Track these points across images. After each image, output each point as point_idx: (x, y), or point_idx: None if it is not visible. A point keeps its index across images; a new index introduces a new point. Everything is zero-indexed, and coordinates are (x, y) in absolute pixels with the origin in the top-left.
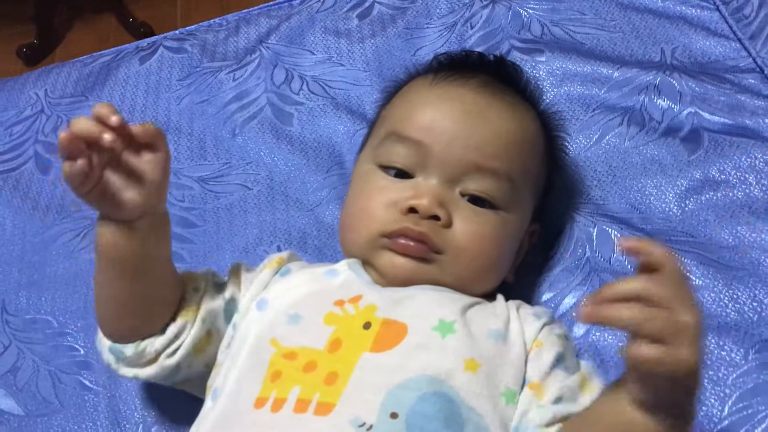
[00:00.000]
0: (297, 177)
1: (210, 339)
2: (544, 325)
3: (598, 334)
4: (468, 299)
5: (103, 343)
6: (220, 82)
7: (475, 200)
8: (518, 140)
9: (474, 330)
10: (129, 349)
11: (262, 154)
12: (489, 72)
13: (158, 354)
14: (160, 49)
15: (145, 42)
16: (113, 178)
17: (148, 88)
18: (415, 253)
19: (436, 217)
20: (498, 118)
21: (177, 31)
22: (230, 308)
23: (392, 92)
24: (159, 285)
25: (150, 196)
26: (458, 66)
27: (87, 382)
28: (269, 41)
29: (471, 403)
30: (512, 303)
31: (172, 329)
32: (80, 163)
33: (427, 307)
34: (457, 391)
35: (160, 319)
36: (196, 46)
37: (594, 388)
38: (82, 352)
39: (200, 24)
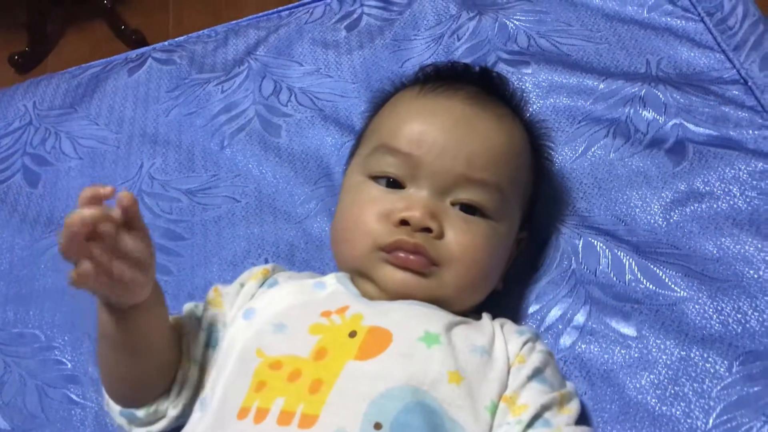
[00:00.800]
0: (285, 189)
1: (204, 370)
2: (527, 341)
3: (584, 345)
4: (454, 317)
5: (112, 407)
6: (208, 94)
7: (466, 209)
8: (506, 151)
9: (458, 344)
10: (142, 413)
11: (250, 166)
12: (475, 83)
13: (167, 409)
14: (149, 61)
15: (134, 53)
16: (117, 264)
17: (136, 100)
18: (415, 266)
19: (428, 229)
20: (486, 129)
21: (166, 43)
22: (211, 333)
23: (379, 103)
24: (161, 355)
25: (151, 272)
26: (445, 77)
27: (74, 396)
28: (257, 53)
29: (453, 416)
30: (497, 321)
31: (175, 388)
32: (86, 266)
33: (413, 319)
34: (440, 403)
35: (165, 382)
36: (185, 57)
37: (571, 410)
38: (69, 365)
39: (189, 35)
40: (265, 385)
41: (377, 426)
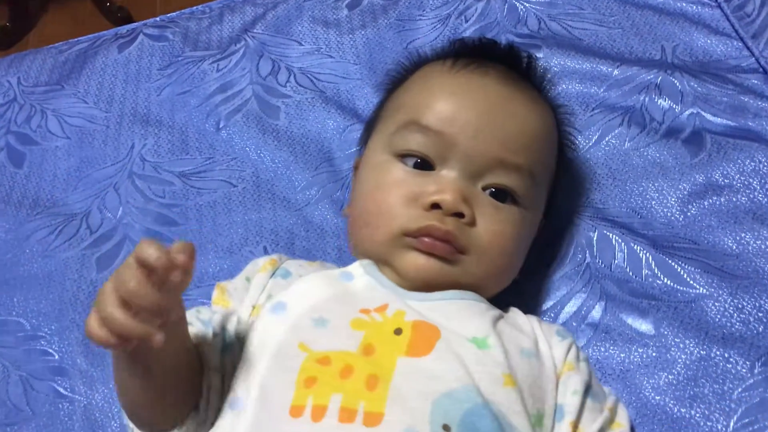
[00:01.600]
0: (284, 174)
1: (224, 374)
2: (570, 345)
3: (599, 343)
4: (494, 311)
5: None
6: (203, 73)
7: (497, 194)
8: (540, 136)
9: (507, 345)
10: None
11: (247, 149)
12: (504, 61)
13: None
14: (140, 37)
15: (124, 29)
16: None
17: (127, 78)
18: (442, 252)
19: (460, 215)
20: (521, 112)
21: (158, 18)
22: (225, 334)
23: (400, 78)
24: (189, 372)
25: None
26: (475, 54)
27: (61, 389)
28: (255, 30)
29: (512, 421)
30: (532, 318)
31: (203, 401)
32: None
33: (456, 314)
34: (499, 407)
35: (193, 398)
36: (178, 34)
37: (622, 424)
38: (56, 356)
39: (182, 11)
40: (315, 381)
41: (446, 427)
